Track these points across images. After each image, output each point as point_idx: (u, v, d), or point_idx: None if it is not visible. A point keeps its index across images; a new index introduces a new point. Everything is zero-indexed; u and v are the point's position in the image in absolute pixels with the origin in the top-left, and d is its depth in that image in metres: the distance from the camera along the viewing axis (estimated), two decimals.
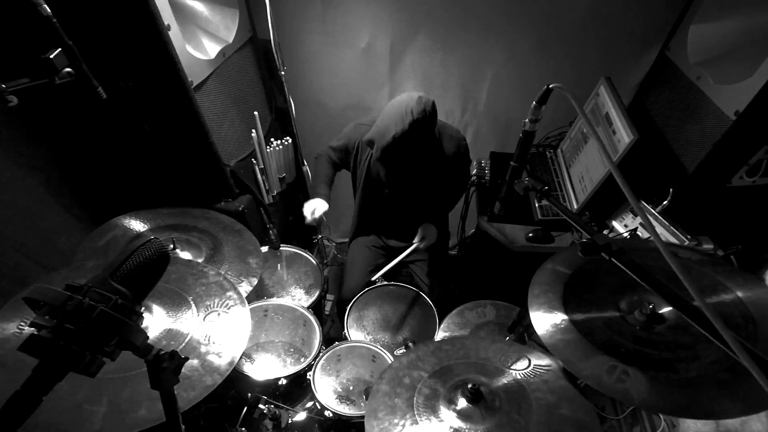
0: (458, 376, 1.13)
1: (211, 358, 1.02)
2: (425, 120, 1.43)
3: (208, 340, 1.06)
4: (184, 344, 1.05)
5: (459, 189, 1.93)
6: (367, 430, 1.01)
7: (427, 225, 1.83)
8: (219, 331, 1.09)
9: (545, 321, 1.08)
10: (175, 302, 1.13)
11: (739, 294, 1.05)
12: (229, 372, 1.00)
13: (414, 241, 1.81)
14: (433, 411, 1.05)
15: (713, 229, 1.49)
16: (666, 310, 1.04)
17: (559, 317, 1.08)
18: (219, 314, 1.13)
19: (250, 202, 1.81)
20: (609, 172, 1.53)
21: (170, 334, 1.06)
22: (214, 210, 1.68)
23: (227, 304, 1.16)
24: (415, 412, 1.04)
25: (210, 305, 1.15)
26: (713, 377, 0.90)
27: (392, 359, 1.42)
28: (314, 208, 1.71)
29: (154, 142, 1.55)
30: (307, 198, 1.74)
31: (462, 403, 1.05)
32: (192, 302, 1.14)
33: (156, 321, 1.08)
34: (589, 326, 1.05)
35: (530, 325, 1.10)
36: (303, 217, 1.72)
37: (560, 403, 1.04)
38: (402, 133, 1.41)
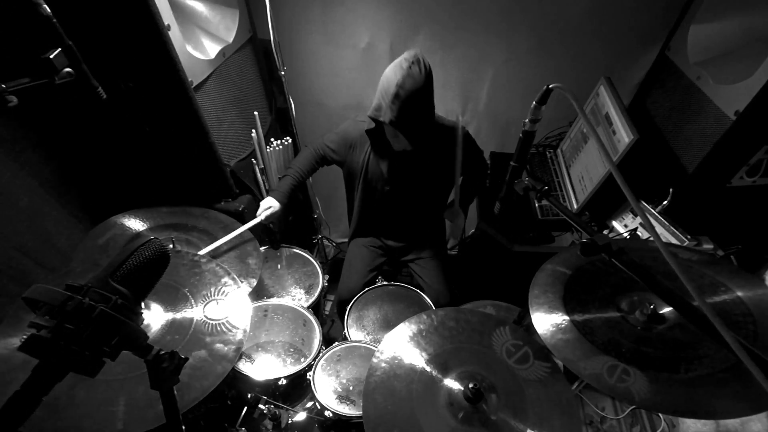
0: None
1: (217, 347, 1.03)
2: (423, 61, 1.41)
3: (212, 329, 1.08)
4: (188, 337, 1.05)
5: (480, 167, 1.88)
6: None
7: (454, 210, 1.83)
8: (221, 316, 1.11)
9: (546, 321, 1.08)
10: (172, 296, 1.14)
11: (740, 294, 1.05)
12: (238, 356, 1.03)
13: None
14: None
15: (713, 229, 1.49)
16: (667, 310, 1.04)
17: (559, 317, 1.08)
18: (218, 302, 1.15)
19: (250, 202, 1.81)
20: (609, 172, 1.53)
21: (172, 328, 1.07)
22: (214, 210, 1.68)
23: (224, 291, 1.18)
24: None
25: (207, 294, 1.16)
26: (714, 377, 0.90)
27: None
28: (266, 207, 1.67)
29: (154, 142, 1.55)
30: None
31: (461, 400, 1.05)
32: (189, 294, 1.15)
33: (155, 317, 1.09)
34: (590, 326, 1.05)
35: (530, 325, 1.11)
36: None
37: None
38: (404, 78, 1.38)
